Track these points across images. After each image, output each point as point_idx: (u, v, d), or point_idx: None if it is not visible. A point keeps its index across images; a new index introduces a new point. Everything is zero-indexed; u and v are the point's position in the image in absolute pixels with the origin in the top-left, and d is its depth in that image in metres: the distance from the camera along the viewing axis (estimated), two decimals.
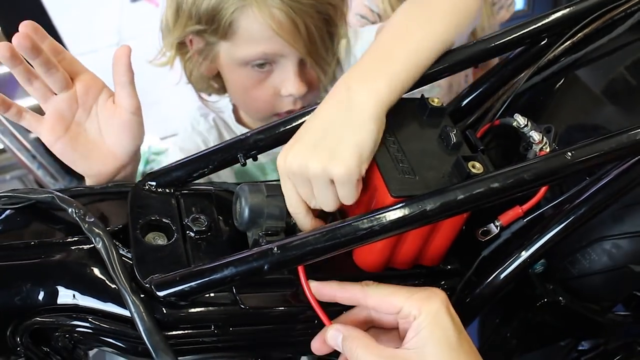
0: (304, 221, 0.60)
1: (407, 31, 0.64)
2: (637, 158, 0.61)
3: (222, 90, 1.06)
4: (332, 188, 0.57)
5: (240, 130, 1.09)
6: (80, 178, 0.74)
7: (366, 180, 0.60)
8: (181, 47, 0.97)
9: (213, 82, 1.04)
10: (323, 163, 0.55)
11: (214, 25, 0.90)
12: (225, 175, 1.07)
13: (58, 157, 0.71)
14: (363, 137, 0.56)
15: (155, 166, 2.70)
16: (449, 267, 0.69)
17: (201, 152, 0.67)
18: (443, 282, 0.69)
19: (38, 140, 2.36)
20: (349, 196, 0.57)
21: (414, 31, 0.64)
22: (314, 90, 0.98)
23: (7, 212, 0.64)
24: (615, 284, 0.72)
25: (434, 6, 0.67)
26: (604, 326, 0.78)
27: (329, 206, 0.58)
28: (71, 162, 0.72)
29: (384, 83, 0.58)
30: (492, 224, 0.65)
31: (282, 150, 0.59)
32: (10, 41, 0.66)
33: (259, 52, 0.90)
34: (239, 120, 1.10)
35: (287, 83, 0.93)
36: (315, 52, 0.92)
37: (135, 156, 0.75)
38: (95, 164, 0.72)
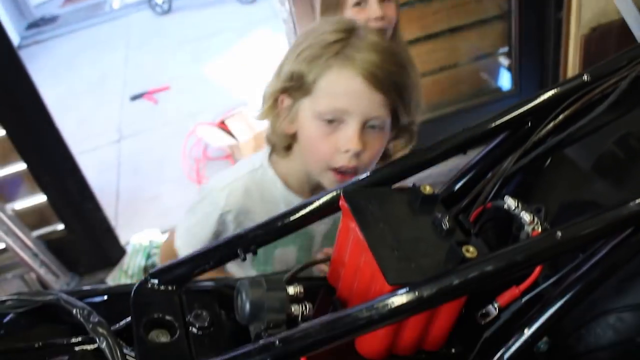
0: None
1: None
2: (626, 233, 0.62)
3: (288, 149, 1.19)
4: None
5: (288, 195, 1.20)
6: (81, 274, 0.75)
7: (363, 270, 0.61)
8: (274, 104, 1.14)
9: (286, 141, 1.17)
10: None
11: (301, 82, 1.06)
12: None
13: None
14: None
15: (157, 260, 2.70)
16: (453, 350, 0.69)
17: (202, 249, 0.69)
18: None
19: (40, 238, 2.38)
20: None
21: None
22: (371, 156, 1.09)
23: (11, 314, 0.64)
24: (623, 358, 0.71)
25: None
26: None
27: None
28: None
29: None
30: (490, 306, 0.65)
31: None
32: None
33: (333, 107, 1.04)
34: (287, 183, 1.22)
35: (347, 139, 1.04)
36: (386, 112, 1.06)
37: None
38: None
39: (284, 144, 1.17)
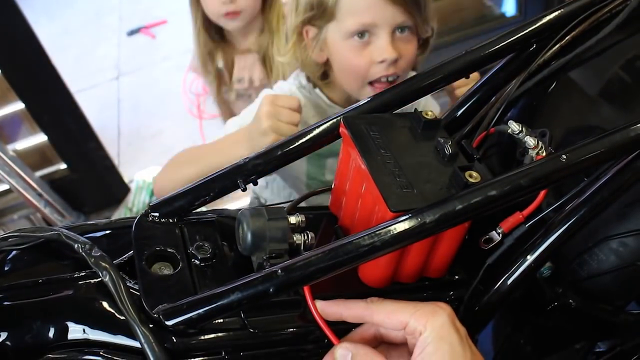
0: None
1: None
2: (633, 155, 0.61)
3: (325, 76, 1.24)
4: None
5: (334, 107, 1.26)
6: (86, 213, 0.76)
7: (365, 197, 0.60)
8: (299, 38, 1.18)
9: (320, 69, 1.23)
10: None
11: (322, 8, 1.11)
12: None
13: None
14: None
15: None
16: (456, 277, 0.69)
17: (201, 180, 0.68)
18: (451, 293, 0.69)
19: (43, 178, 2.39)
20: None
21: None
22: (407, 61, 1.15)
23: (14, 252, 0.65)
24: (626, 283, 0.72)
25: None
26: (618, 326, 0.77)
27: None
28: None
29: None
30: (494, 232, 0.65)
31: None
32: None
33: (359, 23, 1.09)
34: (331, 99, 1.27)
35: (381, 50, 1.10)
36: (410, 19, 1.11)
37: None
38: None
39: (318, 73, 1.22)
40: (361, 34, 1.10)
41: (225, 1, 1.73)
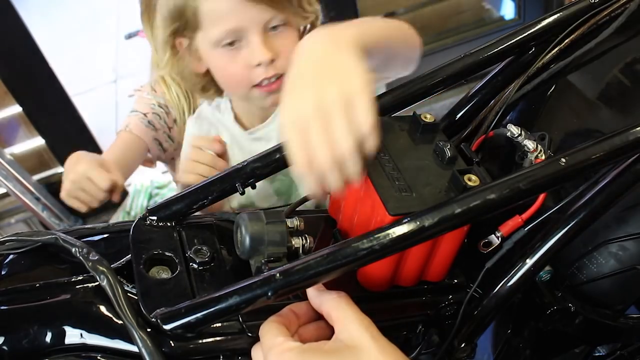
0: (333, 177, 0.58)
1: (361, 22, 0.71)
2: (632, 159, 0.61)
3: (208, 88, 1.17)
4: (350, 116, 0.55)
5: (236, 128, 1.19)
6: (84, 217, 0.75)
7: (364, 201, 0.60)
8: (173, 51, 1.09)
9: (202, 81, 1.16)
10: (338, 85, 0.55)
11: (185, 19, 1.02)
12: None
13: None
14: (359, 59, 0.58)
15: (159, 200, 2.71)
16: (455, 281, 0.69)
17: (199, 184, 0.68)
18: (450, 297, 0.69)
19: (41, 182, 2.38)
20: (367, 115, 0.56)
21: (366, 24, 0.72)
22: (288, 58, 0.96)
23: (11, 256, 0.64)
24: (625, 286, 0.71)
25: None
26: (618, 330, 0.77)
27: (346, 141, 0.56)
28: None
29: (356, 30, 0.63)
30: (493, 235, 0.65)
31: (283, 104, 0.58)
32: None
33: (225, 30, 1.00)
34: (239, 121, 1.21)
35: (254, 53, 1.02)
36: (280, 13, 1.02)
37: None
38: None
39: (200, 84, 1.16)
40: (231, 41, 1.02)
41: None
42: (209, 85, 1.16)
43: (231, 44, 1.02)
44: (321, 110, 0.55)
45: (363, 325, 0.53)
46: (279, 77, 1.05)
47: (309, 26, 1.14)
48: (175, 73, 1.15)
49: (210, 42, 1.03)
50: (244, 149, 1.17)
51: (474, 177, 0.57)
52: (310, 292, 0.58)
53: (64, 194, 1.02)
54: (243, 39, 1.02)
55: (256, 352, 0.56)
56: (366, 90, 0.56)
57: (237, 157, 1.13)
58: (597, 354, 0.91)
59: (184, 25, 1.03)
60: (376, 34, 0.71)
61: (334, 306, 0.56)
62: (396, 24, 0.82)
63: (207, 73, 1.13)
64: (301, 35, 1.12)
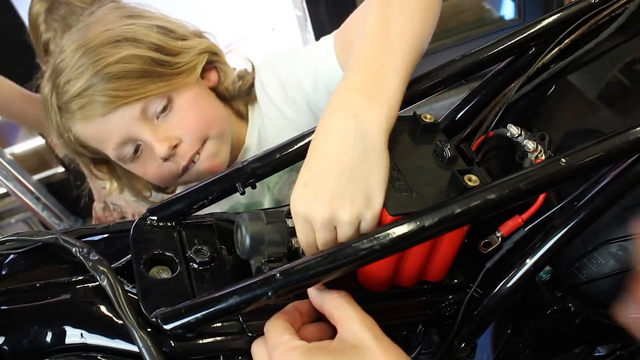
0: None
1: (388, 37, 0.63)
2: (632, 159, 0.61)
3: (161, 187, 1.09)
4: (357, 224, 0.57)
5: None
6: (84, 217, 0.75)
7: None
8: (93, 179, 1.07)
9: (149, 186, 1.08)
10: (355, 211, 0.55)
11: (86, 150, 0.95)
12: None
13: None
14: (384, 171, 0.57)
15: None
16: (455, 281, 0.69)
17: (199, 183, 0.68)
18: (450, 297, 0.69)
19: (41, 182, 2.38)
20: (374, 224, 0.57)
21: (395, 35, 0.63)
22: (191, 132, 0.93)
23: (12, 256, 0.64)
24: (625, 287, 0.71)
25: (404, 4, 0.66)
26: (618, 330, 0.77)
27: (348, 236, 0.58)
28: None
29: (386, 104, 0.58)
30: (493, 235, 0.65)
31: (297, 193, 0.57)
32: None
33: (112, 151, 0.93)
34: None
35: (155, 151, 0.91)
36: (152, 100, 0.90)
37: None
38: None
39: (143, 187, 1.08)
40: (133, 150, 0.93)
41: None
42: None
43: (135, 151, 0.93)
44: (332, 222, 0.56)
45: (366, 325, 0.53)
46: (198, 150, 0.94)
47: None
48: (128, 192, 1.08)
49: (118, 160, 0.95)
50: None
51: (474, 177, 0.57)
52: (312, 291, 0.58)
53: None
54: (134, 143, 0.92)
55: (258, 348, 0.56)
56: (379, 205, 0.56)
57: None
58: (597, 354, 0.91)
59: (91, 155, 0.98)
60: (410, 60, 0.62)
61: (336, 306, 0.56)
62: (424, 12, 0.69)
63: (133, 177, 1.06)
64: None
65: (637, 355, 0.88)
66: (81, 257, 0.60)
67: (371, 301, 0.64)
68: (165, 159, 0.91)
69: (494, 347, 0.82)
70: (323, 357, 0.51)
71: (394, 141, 0.61)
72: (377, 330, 0.54)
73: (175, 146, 0.91)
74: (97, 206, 1.64)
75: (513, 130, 0.66)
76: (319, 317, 0.59)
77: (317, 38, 2.36)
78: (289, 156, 0.67)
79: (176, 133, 0.91)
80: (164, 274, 0.62)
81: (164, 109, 0.90)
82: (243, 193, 0.67)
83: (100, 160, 1.00)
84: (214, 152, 0.95)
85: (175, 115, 0.91)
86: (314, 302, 0.58)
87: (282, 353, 0.53)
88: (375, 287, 0.65)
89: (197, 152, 0.93)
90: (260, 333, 0.57)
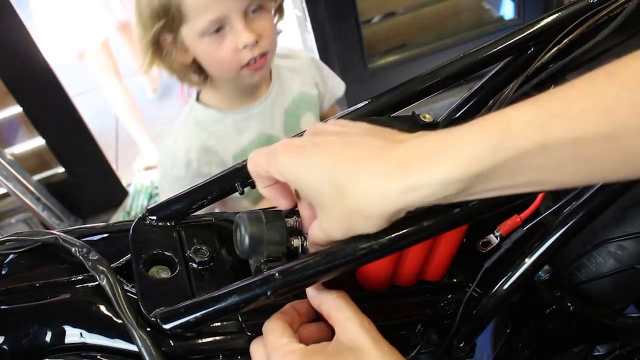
0: None
1: None
2: None
3: (204, 78, 1.27)
4: None
5: (226, 117, 1.31)
6: (84, 217, 0.75)
7: None
8: (156, 49, 1.17)
9: (191, 71, 1.25)
10: None
11: (170, 15, 1.10)
12: None
13: None
14: None
15: (159, 200, 2.72)
16: (454, 280, 0.69)
17: (199, 183, 0.68)
18: (449, 296, 0.69)
19: (41, 182, 2.39)
20: None
21: None
22: (269, 36, 1.18)
23: (11, 255, 0.64)
24: (624, 286, 0.72)
25: None
26: (617, 330, 0.77)
27: None
28: None
29: None
30: (492, 235, 0.65)
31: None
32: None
33: (209, 21, 1.10)
34: (222, 110, 1.31)
35: (239, 37, 1.12)
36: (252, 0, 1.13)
37: None
38: None
39: (190, 73, 1.25)
40: (216, 29, 1.11)
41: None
42: (196, 73, 1.25)
43: (217, 31, 1.12)
44: None
45: (364, 327, 0.53)
46: (263, 55, 1.17)
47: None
48: (163, 68, 1.23)
49: (196, 33, 1.12)
50: (244, 129, 1.30)
51: None
52: (310, 291, 0.58)
53: None
54: (227, 26, 1.12)
55: (257, 349, 0.56)
56: None
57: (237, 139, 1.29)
58: (596, 354, 0.91)
59: (168, 21, 1.11)
60: None
61: (334, 307, 0.56)
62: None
63: (194, 62, 1.21)
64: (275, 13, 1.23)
65: (636, 355, 0.88)
66: (81, 257, 0.60)
67: (370, 300, 0.65)
68: (240, 48, 1.13)
69: (493, 347, 0.82)
70: None
71: None
72: (375, 332, 0.54)
73: (256, 42, 1.14)
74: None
75: None
76: (317, 317, 0.59)
77: (317, 38, 2.37)
78: None
79: (260, 32, 1.15)
80: (164, 273, 0.62)
81: (255, 10, 1.14)
82: (242, 193, 0.67)
83: (171, 29, 1.15)
84: (267, 66, 1.23)
85: (261, 19, 1.15)
86: (313, 302, 0.58)
87: (280, 356, 0.53)
88: (374, 286, 0.65)
89: (263, 56, 1.17)
90: (260, 333, 0.57)
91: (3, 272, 0.64)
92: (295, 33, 2.70)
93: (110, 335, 0.57)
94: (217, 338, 0.58)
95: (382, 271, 0.62)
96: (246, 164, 0.67)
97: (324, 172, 0.47)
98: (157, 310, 0.56)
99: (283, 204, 0.59)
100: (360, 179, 0.46)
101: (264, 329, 0.56)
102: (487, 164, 0.41)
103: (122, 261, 0.63)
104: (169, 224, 0.67)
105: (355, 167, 0.46)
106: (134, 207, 2.59)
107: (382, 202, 0.46)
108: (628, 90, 0.36)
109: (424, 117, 0.65)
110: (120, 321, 0.56)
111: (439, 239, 0.61)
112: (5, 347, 0.56)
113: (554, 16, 0.73)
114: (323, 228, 0.52)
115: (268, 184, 0.57)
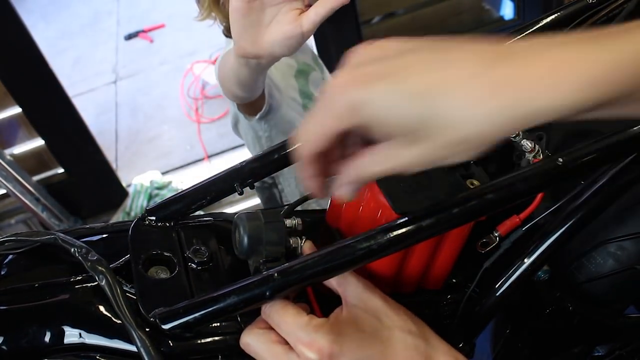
0: None
1: None
2: (630, 158, 0.61)
3: None
4: None
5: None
6: (84, 218, 0.75)
7: (367, 204, 0.60)
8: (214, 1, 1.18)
9: None
10: None
11: None
12: None
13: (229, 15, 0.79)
14: None
15: (159, 200, 2.72)
16: (453, 280, 0.69)
17: (198, 183, 0.68)
18: (448, 296, 0.69)
19: (41, 183, 2.38)
20: None
21: None
22: None
23: (11, 256, 0.64)
24: (624, 286, 0.72)
25: None
26: (617, 330, 0.77)
27: None
28: (232, 23, 0.80)
29: None
30: (491, 235, 0.65)
31: None
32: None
33: None
34: None
35: None
36: None
37: (272, 62, 0.87)
38: (246, 40, 0.80)
39: None
40: None
41: None
42: None
43: None
44: None
45: (369, 287, 0.56)
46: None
47: None
48: (219, 17, 1.23)
49: None
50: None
51: (475, 182, 0.58)
52: None
53: None
54: None
55: (257, 337, 0.55)
56: None
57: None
58: (596, 354, 0.91)
59: None
60: None
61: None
62: None
63: None
64: None
65: (636, 356, 0.88)
66: (80, 257, 0.60)
67: None
68: None
69: (493, 347, 0.82)
70: (351, 330, 0.52)
71: None
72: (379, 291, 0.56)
73: None
74: None
75: None
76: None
77: (317, 38, 2.37)
78: (287, 156, 0.67)
79: None
80: (163, 274, 0.62)
81: None
82: (241, 193, 0.67)
83: None
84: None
85: None
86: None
87: (308, 334, 0.51)
88: None
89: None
90: None
91: (2, 273, 0.64)
92: None
93: (109, 336, 0.57)
94: (216, 338, 0.58)
95: (383, 275, 0.62)
96: (245, 164, 0.67)
97: (420, 101, 0.39)
98: (156, 310, 0.56)
99: None
100: (463, 105, 0.38)
101: (271, 314, 0.54)
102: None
103: (121, 261, 0.63)
104: (168, 224, 0.67)
105: (457, 88, 0.39)
106: (133, 207, 2.59)
107: (497, 129, 0.39)
108: None
109: None
110: (119, 321, 0.56)
111: (440, 246, 0.61)
112: (4, 347, 0.56)
113: (553, 16, 0.73)
114: (399, 159, 0.43)
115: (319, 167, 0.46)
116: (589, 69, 0.36)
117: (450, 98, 0.38)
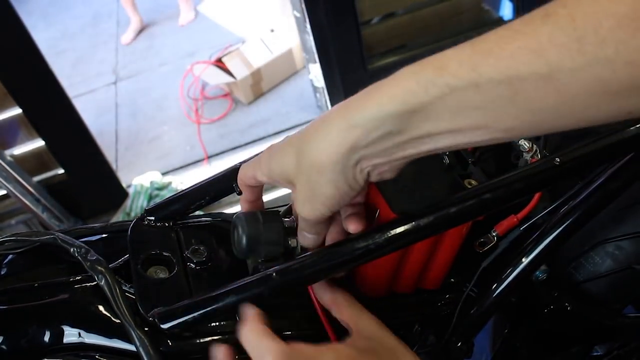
0: None
1: None
2: (627, 158, 0.62)
3: None
4: None
5: None
6: (84, 218, 0.76)
7: (367, 202, 0.60)
8: None
9: None
10: None
11: None
12: None
13: None
14: None
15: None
16: (451, 280, 0.69)
17: (197, 184, 0.68)
18: (447, 296, 0.69)
19: (41, 183, 2.39)
20: None
21: None
22: None
23: (10, 256, 0.65)
24: (622, 286, 0.72)
25: None
26: (615, 329, 0.77)
27: None
28: None
29: None
30: (489, 235, 0.65)
31: None
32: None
33: None
34: None
35: None
36: None
37: None
38: None
39: None
40: None
41: None
42: None
43: None
44: None
45: (376, 320, 0.57)
46: None
47: None
48: None
49: None
50: None
51: (473, 182, 0.58)
52: (318, 287, 0.59)
53: None
54: None
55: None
56: None
57: None
58: (594, 354, 0.91)
59: None
60: None
61: (347, 302, 0.58)
62: None
63: None
64: None
65: (634, 355, 0.88)
66: (79, 257, 0.60)
67: (368, 302, 0.65)
68: None
69: (491, 347, 0.82)
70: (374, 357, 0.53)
71: None
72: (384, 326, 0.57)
73: None
74: None
75: None
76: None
77: (316, 39, 2.37)
78: None
79: None
80: (162, 273, 0.62)
81: None
82: (240, 193, 0.67)
83: None
84: None
85: None
86: (323, 297, 0.59)
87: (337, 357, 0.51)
88: (373, 292, 0.65)
89: None
90: None
91: (2, 273, 0.64)
92: (294, 34, 2.71)
93: (109, 335, 0.57)
94: (215, 338, 0.58)
95: (381, 278, 0.62)
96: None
97: (290, 151, 0.49)
98: (155, 310, 0.56)
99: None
100: (311, 137, 0.46)
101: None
102: (421, 99, 0.40)
103: (121, 261, 0.63)
104: (167, 224, 0.67)
105: (311, 132, 0.47)
106: (133, 208, 2.59)
107: (328, 147, 0.44)
108: (561, 29, 0.35)
109: None
110: (118, 321, 0.56)
111: (438, 246, 0.61)
112: (4, 347, 0.56)
113: None
114: (297, 205, 0.51)
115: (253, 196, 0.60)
116: (398, 85, 0.42)
117: (309, 135, 0.47)
